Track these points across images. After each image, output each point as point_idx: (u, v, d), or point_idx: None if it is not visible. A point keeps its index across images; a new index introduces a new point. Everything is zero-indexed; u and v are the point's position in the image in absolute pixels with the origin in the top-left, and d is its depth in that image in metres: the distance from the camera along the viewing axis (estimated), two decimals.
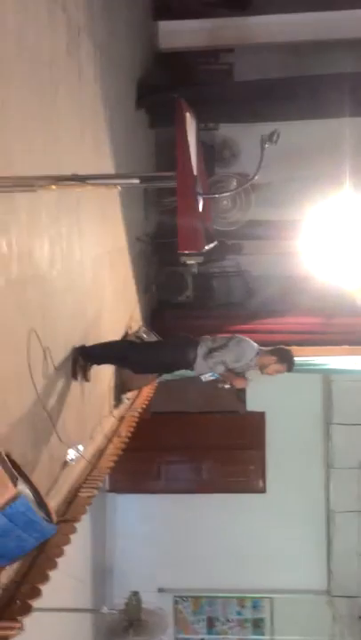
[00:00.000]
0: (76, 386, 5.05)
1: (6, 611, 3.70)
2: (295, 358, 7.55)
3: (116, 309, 6.42)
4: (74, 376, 4.98)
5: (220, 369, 5.10)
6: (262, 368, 5.20)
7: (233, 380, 5.22)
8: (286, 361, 5.25)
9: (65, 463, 4.88)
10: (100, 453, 5.78)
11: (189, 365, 5.21)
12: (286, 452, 9.31)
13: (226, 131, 8.74)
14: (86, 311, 5.34)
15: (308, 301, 8.09)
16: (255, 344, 5.24)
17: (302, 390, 9.29)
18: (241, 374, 5.22)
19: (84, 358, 5.10)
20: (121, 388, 6.58)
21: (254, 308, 8.79)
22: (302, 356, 7.75)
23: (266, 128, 3.57)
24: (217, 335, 5.31)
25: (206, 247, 3.49)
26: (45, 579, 4.11)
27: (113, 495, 9.52)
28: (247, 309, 8.78)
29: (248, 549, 9.46)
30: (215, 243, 4.15)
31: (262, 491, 9.42)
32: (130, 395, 6.86)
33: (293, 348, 7.73)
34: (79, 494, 5.07)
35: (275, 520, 9.47)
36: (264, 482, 9.41)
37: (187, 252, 3.29)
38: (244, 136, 8.53)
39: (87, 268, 5.30)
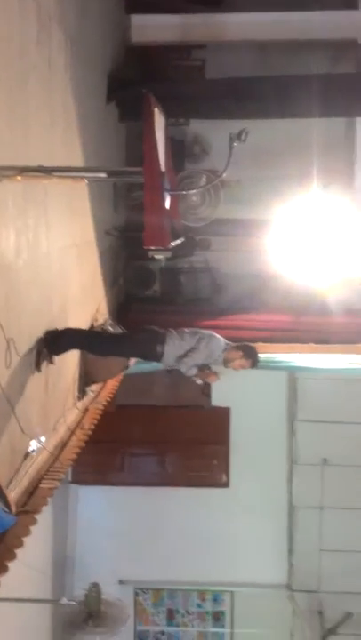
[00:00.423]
0: (39, 378, 5.03)
1: None
2: (261, 355, 7.68)
3: (82, 302, 6.40)
4: (37, 367, 4.97)
5: (194, 371, 5.30)
6: (227, 362, 5.37)
7: (206, 377, 5.40)
8: (251, 357, 5.41)
9: (27, 454, 4.86)
10: (63, 445, 5.77)
11: (156, 359, 5.38)
12: (250, 447, 9.37)
13: (196, 127, 8.77)
14: (52, 303, 5.32)
15: (275, 299, 8.15)
16: (222, 339, 5.39)
17: (268, 387, 9.35)
18: (207, 367, 5.36)
19: (48, 346, 5.11)
20: (85, 380, 6.56)
21: (222, 304, 8.84)
22: (269, 353, 7.82)
23: (236, 125, 3.60)
24: (183, 329, 5.40)
25: (172, 243, 3.50)
26: (4, 570, 4.10)
27: (75, 487, 9.49)
28: (215, 306, 8.82)
29: (210, 543, 9.51)
30: (182, 239, 4.18)
31: (225, 485, 9.47)
32: (94, 387, 6.85)
33: (260, 345, 7.80)
34: (40, 485, 5.05)
35: (237, 514, 9.52)
36: (227, 476, 9.46)
37: (152, 247, 3.30)
38: (214, 133, 8.56)
39: (54, 260, 5.28)
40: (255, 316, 8.19)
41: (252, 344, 5.61)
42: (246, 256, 8.63)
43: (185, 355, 5.26)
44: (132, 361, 6.81)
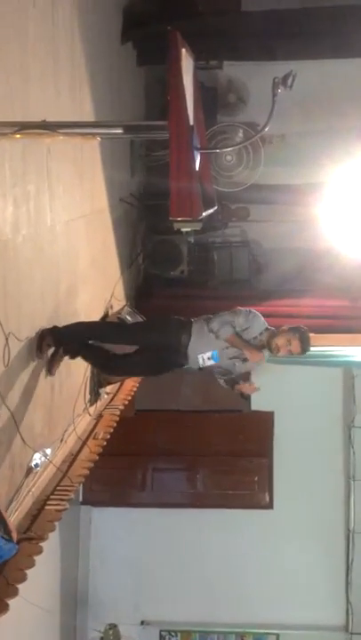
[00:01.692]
0: (45, 378, 5.05)
1: None
2: (312, 348, 7.66)
3: (94, 285, 6.41)
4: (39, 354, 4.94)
5: (228, 331, 5.08)
6: (271, 345, 5.17)
7: (246, 350, 5.14)
8: (303, 339, 5.23)
9: (29, 470, 4.90)
10: (73, 458, 5.81)
11: (181, 352, 5.19)
12: (298, 460, 9.36)
13: (231, 70, 8.72)
14: (58, 287, 5.34)
15: (329, 280, 8.10)
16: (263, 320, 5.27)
17: (320, 387, 9.32)
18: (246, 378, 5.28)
19: (57, 344, 5.09)
20: (99, 381, 6.59)
21: (264, 286, 8.81)
22: (322, 346, 7.81)
23: (279, 68, 3.56)
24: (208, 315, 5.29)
25: (204, 213, 3.48)
26: (4, 608, 4.13)
27: (88, 508, 9.54)
28: (255, 288, 8.79)
29: (250, 576, 9.54)
30: (215, 207, 4.15)
31: (268, 506, 9.47)
32: (109, 388, 6.88)
33: (312, 337, 7.80)
34: (46, 507, 5.10)
35: (283, 542, 9.53)
36: (271, 496, 9.45)
37: (179, 218, 3.28)
38: (253, 77, 8.50)
39: (59, 235, 5.29)
40: (304, 301, 8.17)
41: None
42: (293, 228, 8.60)
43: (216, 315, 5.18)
44: None
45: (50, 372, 5.09)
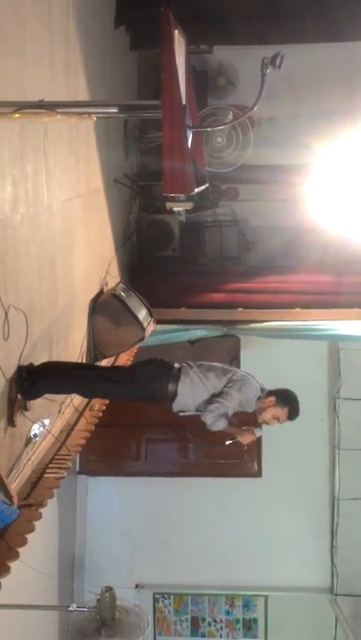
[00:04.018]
0: (43, 350, 5.04)
1: None
2: (299, 322, 7.67)
3: (89, 262, 6.40)
4: (11, 422, 4.51)
5: (222, 424, 4.86)
6: (257, 412, 5.01)
7: (240, 436, 5.02)
8: (288, 404, 5.01)
9: (28, 440, 4.91)
10: (70, 429, 5.82)
11: (167, 401, 4.96)
12: (286, 430, 9.32)
13: (221, 54, 8.66)
14: (55, 264, 5.32)
15: (316, 257, 8.10)
16: (256, 383, 5.03)
17: (305, 360, 9.36)
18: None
19: (22, 388, 4.55)
20: (95, 354, 6.59)
21: (252, 263, 8.80)
22: (307, 321, 7.83)
23: (268, 52, 3.53)
24: (207, 364, 5.04)
25: (196, 189, 3.46)
26: (5, 571, 4.15)
27: (84, 478, 9.58)
28: (244, 265, 8.79)
29: (240, 541, 9.61)
30: (207, 185, 4.13)
31: (257, 475, 9.51)
32: (105, 362, 6.88)
33: (298, 312, 7.82)
34: (45, 475, 5.11)
35: (271, 508, 9.59)
36: (259, 464, 9.50)
37: (173, 194, 3.26)
38: (242, 61, 8.45)
39: (56, 214, 5.27)
40: (291, 277, 8.16)
41: (289, 390, 5.11)
42: (280, 206, 8.59)
43: (210, 400, 4.84)
44: (150, 330, 6.84)
45: (10, 422, 4.53)
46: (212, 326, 8.05)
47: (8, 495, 3.37)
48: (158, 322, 7.10)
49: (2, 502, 3.21)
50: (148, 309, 6.85)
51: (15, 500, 3.42)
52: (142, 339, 6.81)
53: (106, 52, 6.90)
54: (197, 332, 8.17)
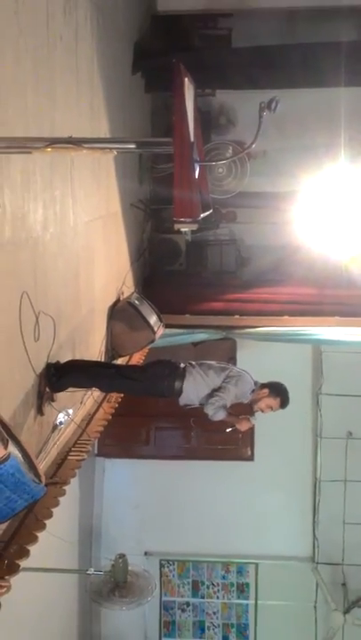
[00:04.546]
0: (68, 351, 5.05)
1: None
2: (286, 328, 7.66)
3: (108, 275, 6.41)
4: (40, 411, 4.52)
5: (222, 415, 4.88)
6: (253, 402, 5.01)
7: (238, 423, 5.02)
8: (279, 395, 5.01)
9: (55, 426, 4.91)
10: (90, 418, 5.82)
11: (174, 397, 4.96)
12: (275, 421, 9.30)
13: (223, 97, 8.68)
14: (78, 276, 5.33)
15: (301, 272, 8.11)
16: (251, 377, 5.06)
17: (292, 361, 9.32)
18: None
19: (50, 382, 4.57)
20: (112, 354, 6.60)
21: (247, 277, 8.81)
22: (294, 327, 7.82)
23: (262, 96, 3.54)
24: (207, 363, 5.04)
25: (202, 215, 3.47)
26: (34, 540, 4.16)
27: (102, 459, 9.58)
28: (240, 279, 8.79)
29: (235, 516, 9.59)
30: (211, 210, 4.12)
31: (250, 459, 9.50)
32: (121, 361, 6.88)
33: (285, 319, 7.82)
34: (68, 457, 5.11)
35: (262, 488, 9.57)
36: (252, 450, 9.49)
37: (182, 219, 3.26)
38: (241, 103, 8.48)
39: (80, 233, 5.28)
40: (280, 289, 8.17)
41: (280, 382, 5.12)
42: (272, 228, 8.60)
43: (211, 394, 4.86)
44: (159, 333, 6.84)
45: (40, 411, 4.55)
46: (212, 330, 8.05)
47: (37, 474, 3.36)
48: (167, 326, 7.10)
49: (32, 481, 3.20)
50: (158, 316, 6.86)
51: (43, 478, 3.41)
52: (153, 341, 6.82)
53: (124, 94, 6.92)
54: (200, 336, 8.17)
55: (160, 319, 6.87)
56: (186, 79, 3.37)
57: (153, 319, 6.80)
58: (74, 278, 5.22)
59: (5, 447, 2.92)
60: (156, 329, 6.78)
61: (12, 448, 3.11)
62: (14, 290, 3.95)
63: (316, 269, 8.02)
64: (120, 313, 6.65)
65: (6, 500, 3.11)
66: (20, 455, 3.29)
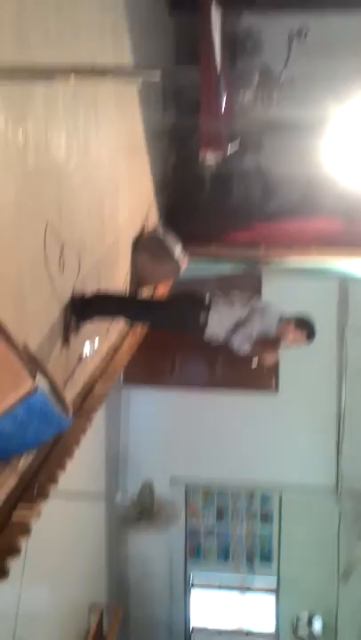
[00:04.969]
0: (92, 283, 5.06)
1: (25, 496, 3.86)
2: (313, 261, 7.60)
3: (132, 207, 6.36)
4: (66, 341, 4.58)
5: (248, 348, 4.87)
6: (279, 336, 4.98)
7: (263, 357, 4.99)
8: (306, 328, 4.99)
9: (81, 357, 4.96)
10: (116, 349, 5.87)
11: (199, 330, 4.90)
12: (300, 353, 9.33)
13: (249, 20, 8.37)
14: (103, 207, 5.31)
15: (330, 204, 7.97)
16: (277, 310, 5.02)
17: (318, 295, 9.25)
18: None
19: (76, 314, 4.63)
20: (137, 283, 6.60)
21: (273, 208, 8.68)
22: (321, 259, 7.76)
23: (291, 19, 3.43)
24: (233, 295, 5.01)
25: (228, 146, 3.41)
26: (62, 467, 4.26)
27: (127, 389, 9.67)
28: (267, 210, 8.67)
29: (259, 446, 9.70)
30: (237, 140, 4.05)
31: (274, 390, 9.54)
32: (145, 290, 6.89)
33: (313, 252, 7.74)
34: (95, 389, 5.19)
35: (286, 419, 9.64)
36: (277, 381, 9.52)
37: (208, 151, 3.22)
38: (267, 27, 8.16)
39: (104, 164, 5.23)
40: (308, 222, 8.06)
41: (307, 316, 5.08)
42: (299, 159, 8.41)
43: (235, 328, 4.83)
44: (184, 265, 6.82)
45: (66, 341, 4.60)
46: (237, 263, 8.02)
47: (64, 407, 3.42)
48: (191, 258, 7.08)
49: (59, 413, 3.26)
50: (183, 248, 6.83)
51: (70, 410, 3.47)
52: (178, 272, 6.81)
53: (148, 17, 6.72)
54: (225, 268, 8.14)
55: (185, 251, 6.85)
56: (213, 0, 3.26)
57: (177, 250, 6.78)
58: (98, 209, 5.19)
59: (34, 379, 2.96)
60: (180, 260, 6.77)
61: (39, 380, 3.16)
62: (39, 221, 3.95)
63: (345, 201, 7.87)
64: (144, 244, 6.63)
65: (35, 431, 3.17)
66: (47, 387, 3.35)
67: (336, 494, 9.75)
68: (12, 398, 2.91)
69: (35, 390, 2.98)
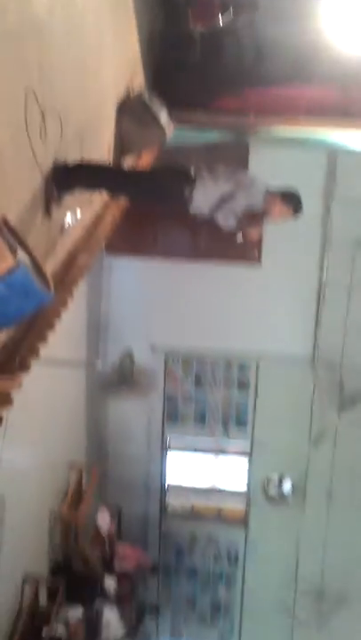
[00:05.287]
0: (75, 150, 4.85)
1: (6, 367, 3.84)
2: (304, 130, 7.35)
3: (117, 68, 6.04)
4: (48, 212, 4.43)
5: (233, 223, 4.77)
6: (265, 211, 4.83)
7: (248, 231, 4.87)
8: (292, 203, 4.83)
9: (63, 228, 4.83)
10: (99, 220, 5.73)
11: (183, 205, 4.73)
12: (284, 226, 9.21)
13: None
14: (86, 69, 5.01)
15: (325, 72, 7.61)
16: (262, 183, 4.84)
17: (306, 165, 9.03)
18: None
19: (57, 183, 4.44)
20: (121, 152, 6.37)
21: (265, 73, 8.29)
22: (312, 129, 7.52)
23: None
24: (217, 169, 4.80)
25: (221, 16, 3.13)
26: (44, 339, 4.24)
27: (109, 258, 9.58)
28: (258, 76, 8.28)
29: (240, 317, 9.78)
30: (230, 10, 3.74)
31: (257, 261, 9.46)
32: (129, 159, 6.67)
33: (304, 121, 7.47)
34: (77, 260, 5.09)
35: (268, 291, 9.68)
36: (260, 253, 9.44)
37: (199, 23, 2.96)
38: None
39: (88, 20, 4.89)
40: (300, 88, 7.71)
41: (294, 190, 4.91)
42: (296, 21, 7.94)
43: (220, 203, 4.69)
44: (170, 131, 6.56)
45: (47, 212, 4.48)
46: (224, 131, 7.73)
47: (45, 281, 3.34)
48: (178, 124, 6.81)
49: (41, 287, 3.19)
50: (169, 113, 6.55)
51: (51, 284, 3.39)
52: (163, 140, 6.57)
53: None
54: (211, 136, 7.85)
55: (170, 117, 6.57)
56: None
57: (163, 116, 6.52)
58: (81, 70, 4.90)
59: (14, 255, 2.86)
60: (166, 126, 6.52)
61: (20, 256, 3.06)
62: (19, 85, 3.70)
63: (341, 68, 7.51)
64: (129, 109, 6.35)
65: (16, 306, 3.11)
66: (28, 262, 3.25)
67: (312, 364, 9.92)
68: None
69: (16, 267, 2.89)
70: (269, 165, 8.11)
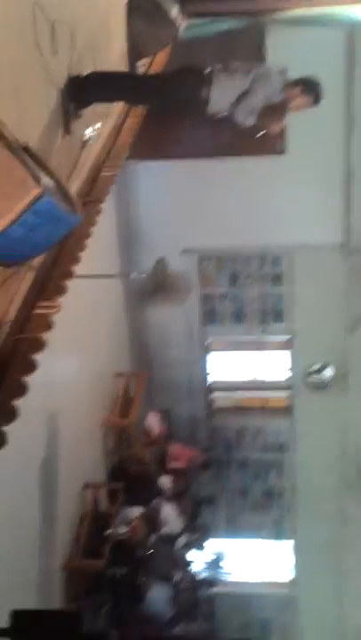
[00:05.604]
0: (87, 64, 4.66)
1: (44, 294, 3.87)
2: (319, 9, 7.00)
3: None
4: (67, 130, 4.35)
5: (252, 120, 4.63)
6: (285, 101, 4.68)
7: (269, 125, 4.77)
8: (312, 92, 4.69)
9: (84, 143, 4.74)
10: (119, 130, 5.61)
11: (200, 106, 4.61)
12: (306, 113, 8.92)
13: None
14: None
15: None
16: (280, 73, 4.68)
17: (323, 46, 8.61)
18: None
19: (75, 99, 4.36)
20: (134, 55, 6.14)
21: None
22: (328, 6, 7.16)
23: None
24: (233, 65, 4.65)
25: None
26: (76, 260, 4.23)
27: (133, 166, 9.37)
28: None
29: (268, 210, 9.61)
30: None
31: (281, 152, 9.19)
32: (144, 62, 6.44)
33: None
34: (101, 174, 5.01)
35: (294, 180, 9.43)
36: (283, 143, 9.12)
37: None
38: None
39: None
40: None
41: (313, 77, 4.74)
42: None
43: (238, 100, 4.53)
44: (182, 26, 6.31)
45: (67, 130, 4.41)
46: (238, 19, 7.38)
47: (71, 203, 3.30)
48: (189, 18, 6.52)
49: (67, 211, 3.15)
50: (180, 6, 6.28)
51: (78, 206, 3.35)
52: (176, 36, 6.33)
53: None
54: (225, 26, 7.50)
55: (182, 10, 6.30)
56: None
57: (174, 10, 6.27)
58: None
59: (39, 185, 2.81)
60: (178, 21, 6.27)
61: (44, 181, 3.02)
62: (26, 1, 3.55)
63: None
64: (138, 9, 6.07)
65: (45, 232, 3.10)
66: (53, 186, 3.21)
67: (345, 251, 9.76)
68: (20, 206, 2.80)
69: (41, 196, 2.84)
70: (286, 51, 7.81)
